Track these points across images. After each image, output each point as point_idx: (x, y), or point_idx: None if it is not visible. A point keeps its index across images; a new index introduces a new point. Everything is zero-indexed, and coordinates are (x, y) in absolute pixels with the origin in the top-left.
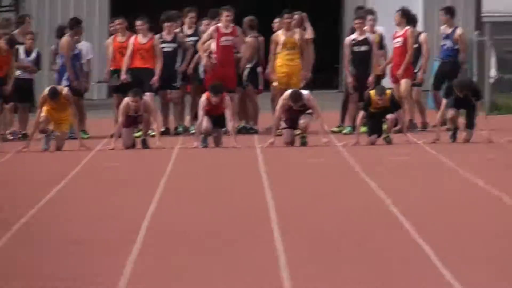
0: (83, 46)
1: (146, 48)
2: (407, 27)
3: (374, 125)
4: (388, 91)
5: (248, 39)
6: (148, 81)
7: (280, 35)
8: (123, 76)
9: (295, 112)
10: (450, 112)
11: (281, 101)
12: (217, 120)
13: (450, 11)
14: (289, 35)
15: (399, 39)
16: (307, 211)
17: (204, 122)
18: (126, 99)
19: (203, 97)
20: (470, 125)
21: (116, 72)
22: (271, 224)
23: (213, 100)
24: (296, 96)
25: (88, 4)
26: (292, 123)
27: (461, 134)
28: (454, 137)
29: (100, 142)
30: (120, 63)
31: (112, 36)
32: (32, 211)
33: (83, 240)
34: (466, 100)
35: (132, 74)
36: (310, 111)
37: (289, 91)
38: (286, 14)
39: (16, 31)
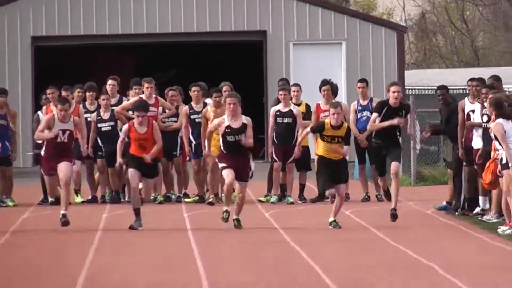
0: None
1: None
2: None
3: (330, 175)
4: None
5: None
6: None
7: (209, 112)
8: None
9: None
10: (381, 179)
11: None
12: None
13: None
14: (219, 112)
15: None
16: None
17: None
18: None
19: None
20: (395, 158)
21: None
22: None
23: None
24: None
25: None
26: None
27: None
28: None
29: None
30: None
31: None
32: None
33: None
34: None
35: None
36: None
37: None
38: (215, 93)
39: None
